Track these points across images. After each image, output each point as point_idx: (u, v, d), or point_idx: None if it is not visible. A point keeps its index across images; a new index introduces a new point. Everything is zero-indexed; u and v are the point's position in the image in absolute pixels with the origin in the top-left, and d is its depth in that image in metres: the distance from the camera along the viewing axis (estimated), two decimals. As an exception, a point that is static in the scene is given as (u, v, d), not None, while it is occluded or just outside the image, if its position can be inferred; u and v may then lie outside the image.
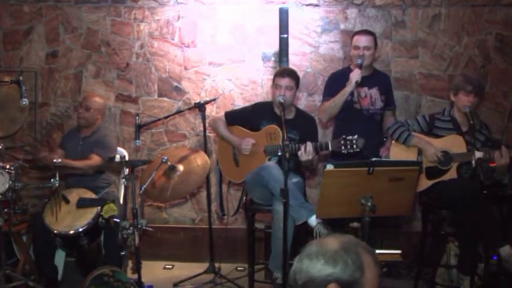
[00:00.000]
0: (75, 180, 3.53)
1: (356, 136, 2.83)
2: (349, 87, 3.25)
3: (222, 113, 3.56)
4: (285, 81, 3.21)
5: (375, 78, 3.48)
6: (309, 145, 2.96)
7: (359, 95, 3.35)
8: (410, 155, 3.21)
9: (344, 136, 2.85)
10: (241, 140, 3.32)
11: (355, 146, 2.82)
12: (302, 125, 3.32)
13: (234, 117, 3.46)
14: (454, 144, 3.17)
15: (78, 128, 3.77)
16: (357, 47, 3.35)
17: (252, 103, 3.64)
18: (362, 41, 3.34)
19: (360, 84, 3.28)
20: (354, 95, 3.33)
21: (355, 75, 3.22)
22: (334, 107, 3.35)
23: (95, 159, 3.50)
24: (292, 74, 3.27)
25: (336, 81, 3.44)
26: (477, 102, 3.24)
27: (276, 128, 3.21)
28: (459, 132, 3.22)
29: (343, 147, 2.85)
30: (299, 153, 2.97)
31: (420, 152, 3.21)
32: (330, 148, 2.96)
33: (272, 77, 3.41)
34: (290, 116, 3.31)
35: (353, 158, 2.84)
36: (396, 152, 3.27)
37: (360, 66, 3.27)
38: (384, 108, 3.50)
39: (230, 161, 3.43)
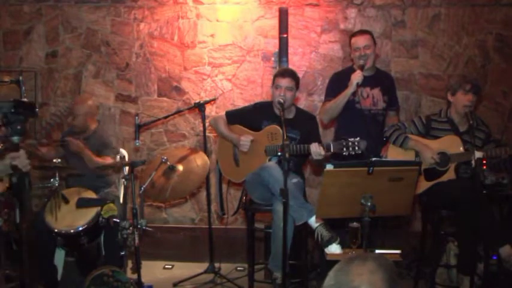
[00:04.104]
0: (75, 180, 3.52)
1: (358, 138, 2.82)
2: (350, 89, 3.25)
3: (223, 112, 3.55)
4: (285, 82, 3.21)
5: (377, 78, 3.46)
6: (316, 146, 2.96)
7: (361, 95, 3.35)
8: (407, 158, 3.21)
9: (346, 138, 2.84)
10: (240, 135, 3.30)
11: (357, 148, 2.82)
12: (303, 125, 3.31)
13: (235, 117, 3.44)
14: (451, 144, 3.17)
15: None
16: (357, 48, 3.35)
17: (253, 103, 3.63)
18: (361, 41, 3.34)
19: (362, 84, 3.27)
20: (356, 95, 3.33)
21: (357, 77, 3.21)
22: (335, 109, 3.35)
23: (109, 160, 3.50)
24: (293, 75, 3.27)
25: (338, 82, 3.43)
26: (476, 102, 3.24)
27: (277, 128, 3.20)
28: (457, 133, 3.22)
29: (344, 149, 2.85)
30: (311, 156, 2.97)
31: (417, 154, 3.21)
32: (332, 150, 2.95)
33: (272, 77, 3.41)
34: (290, 115, 3.31)
35: (354, 159, 2.83)
36: (393, 155, 3.26)
37: (362, 68, 3.27)
38: (387, 109, 3.48)
39: (230, 160, 3.42)
